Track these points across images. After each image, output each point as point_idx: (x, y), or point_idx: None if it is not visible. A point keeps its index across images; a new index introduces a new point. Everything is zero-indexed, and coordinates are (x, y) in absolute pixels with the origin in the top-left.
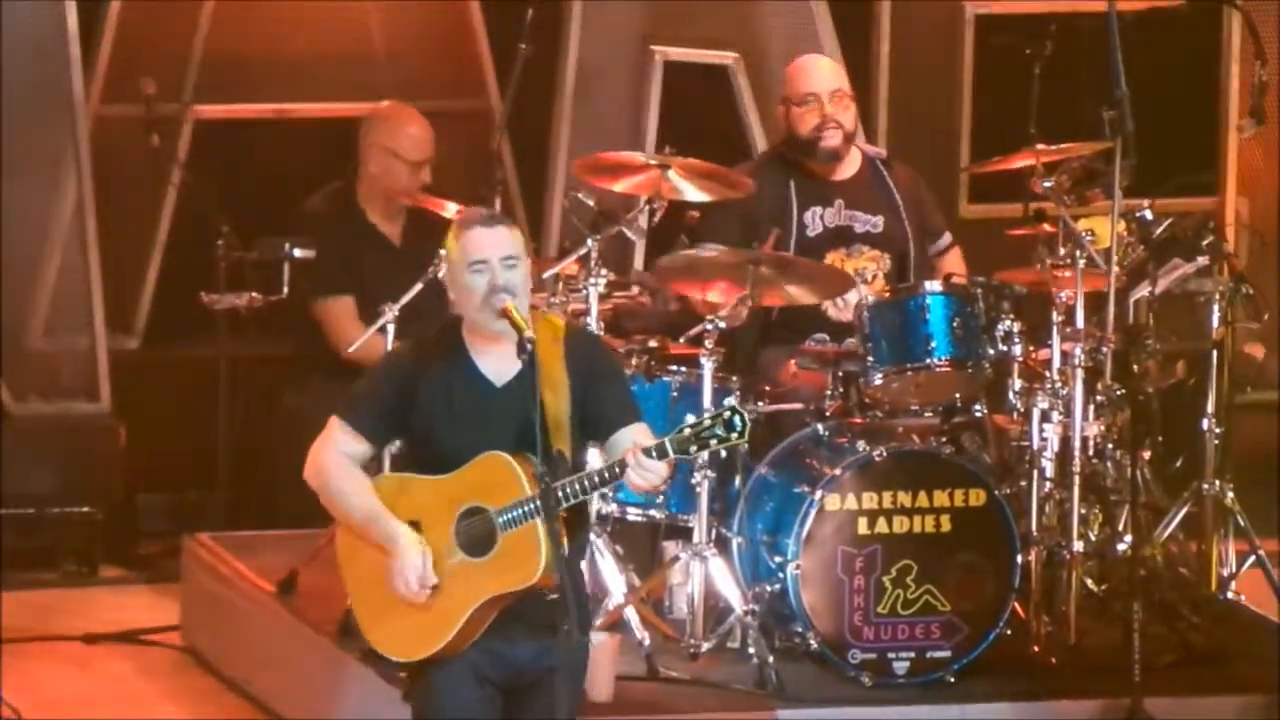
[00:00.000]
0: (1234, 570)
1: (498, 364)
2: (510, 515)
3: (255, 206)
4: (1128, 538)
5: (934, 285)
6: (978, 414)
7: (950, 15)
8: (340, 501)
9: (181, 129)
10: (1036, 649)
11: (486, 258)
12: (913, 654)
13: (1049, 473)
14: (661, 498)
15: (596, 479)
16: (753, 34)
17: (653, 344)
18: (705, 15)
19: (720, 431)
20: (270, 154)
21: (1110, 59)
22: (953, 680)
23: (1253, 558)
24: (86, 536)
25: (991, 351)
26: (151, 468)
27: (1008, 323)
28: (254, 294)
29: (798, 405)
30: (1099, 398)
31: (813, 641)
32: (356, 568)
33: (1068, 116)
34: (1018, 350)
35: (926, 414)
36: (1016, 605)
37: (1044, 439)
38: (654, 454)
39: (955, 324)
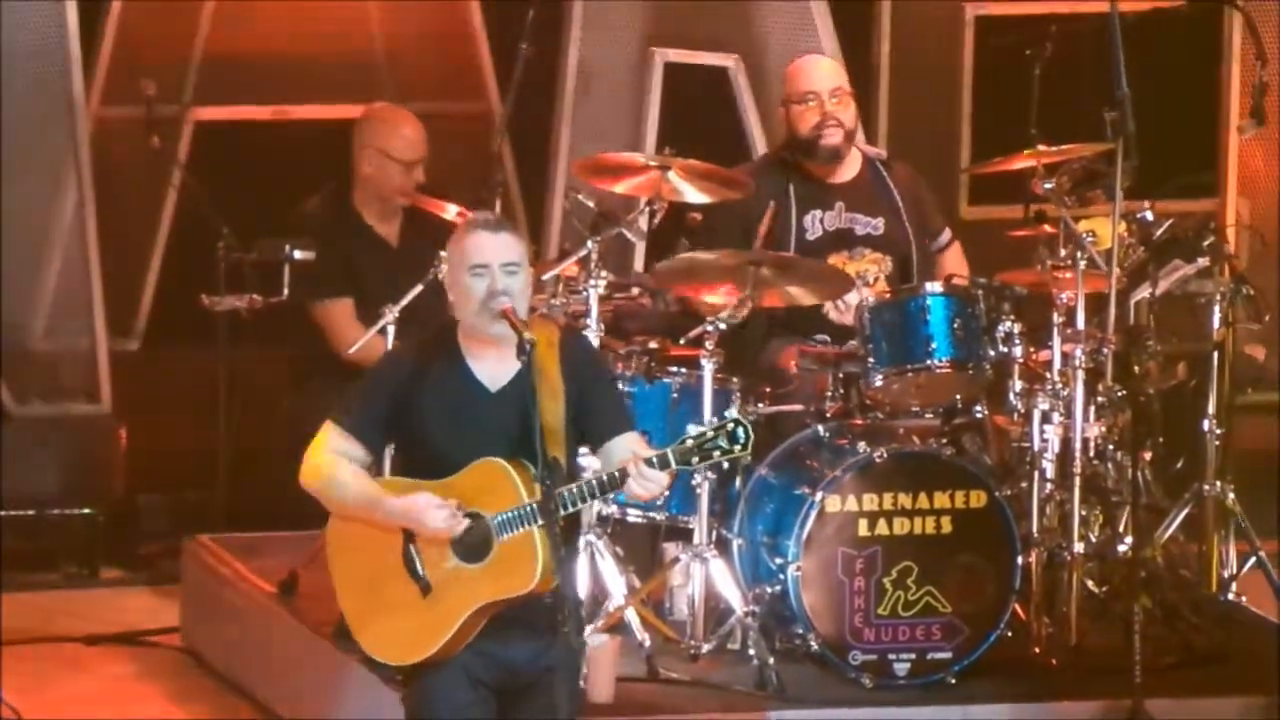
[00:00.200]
0: (1235, 571)
1: (493, 368)
2: (507, 522)
3: (255, 208)
4: (1128, 539)
5: (934, 286)
6: (978, 415)
7: (950, 16)
8: (340, 494)
9: (182, 130)
10: (1037, 650)
11: (488, 262)
12: (913, 655)
13: (1050, 474)
14: (662, 499)
15: (596, 487)
16: (753, 35)
17: (653, 345)
18: (706, 16)
19: (723, 443)
20: (270, 155)
21: (1111, 60)
22: (954, 682)
23: (1253, 559)
24: (87, 538)
25: (992, 353)
26: (152, 469)
27: (1008, 324)
28: (254, 295)
29: (798, 406)
30: (1100, 399)
31: (813, 643)
32: (346, 571)
33: (1068, 117)
34: (1018, 351)
35: (927, 415)
36: (1017, 607)
37: (1045, 440)
38: (656, 464)
39: (956, 325)
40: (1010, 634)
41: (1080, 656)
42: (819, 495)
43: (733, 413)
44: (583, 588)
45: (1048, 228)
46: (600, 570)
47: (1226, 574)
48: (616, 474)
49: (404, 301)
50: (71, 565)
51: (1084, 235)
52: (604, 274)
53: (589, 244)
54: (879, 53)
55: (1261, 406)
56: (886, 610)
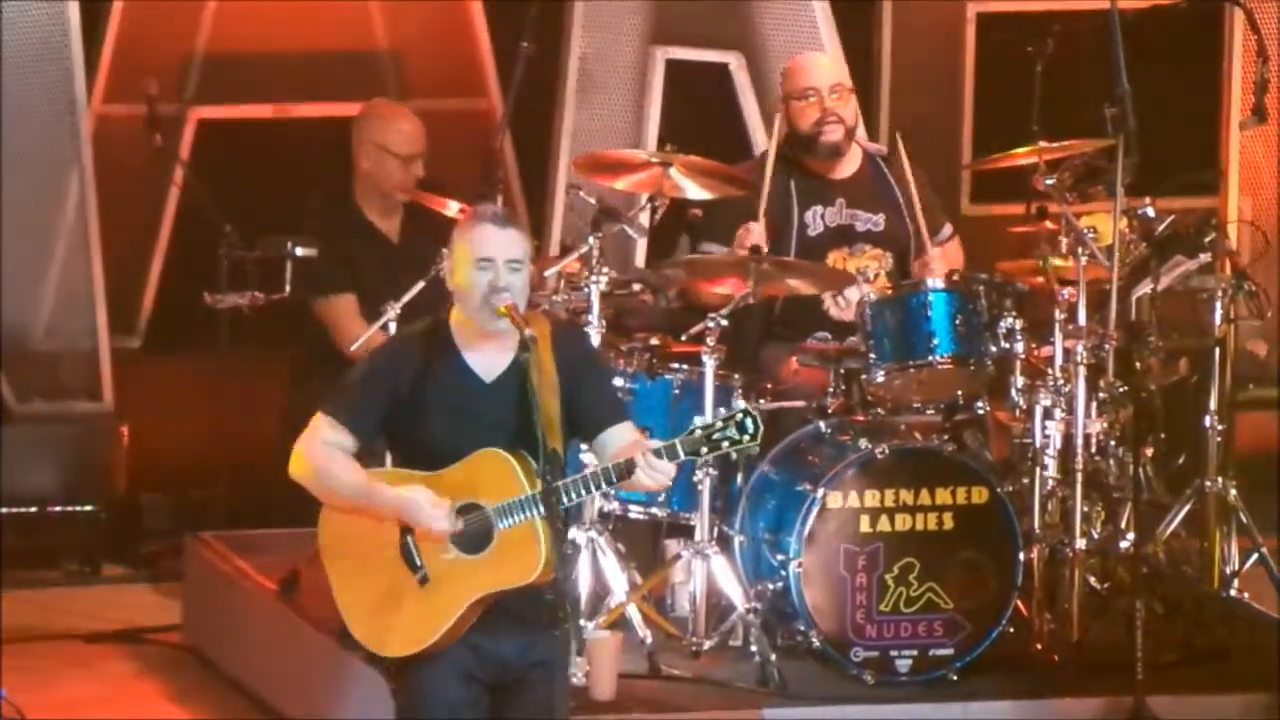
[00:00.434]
0: (1236, 567)
1: (487, 360)
2: (508, 510)
3: (257, 206)
4: (1130, 535)
5: (936, 282)
6: (980, 411)
7: (952, 14)
8: (331, 484)
9: (183, 128)
10: (1039, 647)
11: (492, 256)
12: (915, 652)
13: (1051, 470)
14: (663, 495)
15: (601, 478)
16: (754, 33)
17: (654, 342)
18: (706, 14)
19: (732, 433)
20: (272, 153)
21: (1112, 56)
22: (955, 678)
23: (1255, 555)
24: (89, 535)
25: (994, 348)
26: (154, 467)
27: (1010, 320)
28: (256, 293)
29: (800, 403)
30: (1101, 395)
31: (815, 639)
32: (340, 562)
33: (1070, 114)
34: (1020, 347)
35: (928, 411)
36: (1019, 603)
37: (1046, 436)
38: (664, 455)
39: (957, 321)
40: (1012, 630)
41: (1082, 653)
42: (820, 491)
43: (741, 403)
44: (584, 584)
45: (1049, 224)
46: (602, 567)
47: (1228, 570)
48: (622, 466)
49: (406, 298)
50: (73, 563)
51: (1085, 231)
52: (605, 270)
53: (590, 240)
54: (880, 51)
55: (1263, 402)
56: (888, 607)
